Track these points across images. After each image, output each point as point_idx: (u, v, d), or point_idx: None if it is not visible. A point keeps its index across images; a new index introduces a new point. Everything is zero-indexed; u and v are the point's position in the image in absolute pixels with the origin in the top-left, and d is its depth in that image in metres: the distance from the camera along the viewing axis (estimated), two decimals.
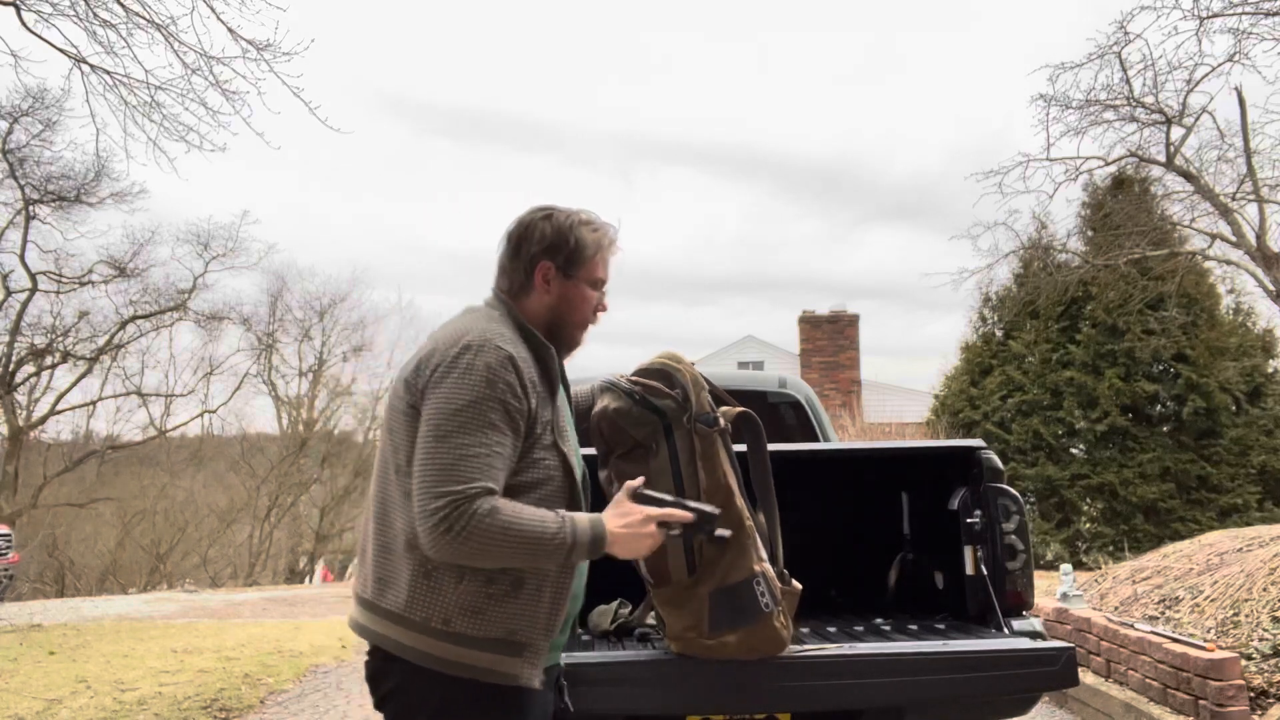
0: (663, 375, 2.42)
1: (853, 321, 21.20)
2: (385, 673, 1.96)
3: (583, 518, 1.95)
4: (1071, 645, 2.67)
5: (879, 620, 3.16)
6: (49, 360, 24.90)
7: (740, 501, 2.36)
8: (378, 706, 1.99)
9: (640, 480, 2.10)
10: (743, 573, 2.33)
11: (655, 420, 2.35)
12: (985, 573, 3.08)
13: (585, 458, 2.27)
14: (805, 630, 2.86)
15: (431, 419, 1.88)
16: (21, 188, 21.44)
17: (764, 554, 2.37)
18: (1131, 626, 5.50)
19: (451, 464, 1.83)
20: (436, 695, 1.91)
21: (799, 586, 2.46)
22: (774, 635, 2.36)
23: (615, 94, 62.82)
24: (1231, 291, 16.18)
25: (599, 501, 2.14)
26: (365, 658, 2.03)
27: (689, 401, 2.37)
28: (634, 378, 2.41)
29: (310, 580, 27.79)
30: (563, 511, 1.94)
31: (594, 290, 2.17)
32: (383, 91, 54.26)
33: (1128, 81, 12.13)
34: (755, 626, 2.33)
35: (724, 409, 2.45)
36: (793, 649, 2.46)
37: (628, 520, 1.99)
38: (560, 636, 2.10)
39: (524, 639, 1.94)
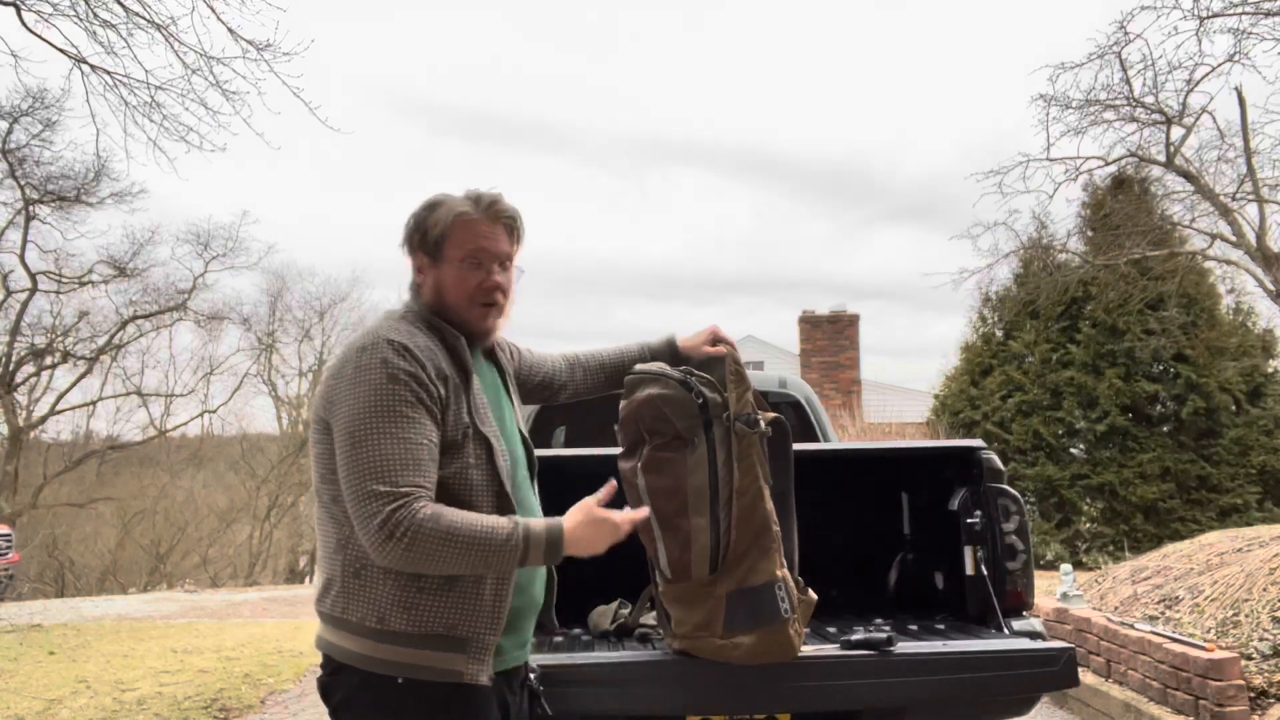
0: (714, 368, 2.43)
1: (853, 321, 21.19)
2: (333, 684, 1.94)
3: (538, 521, 1.91)
4: (1071, 645, 2.68)
5: (879, 620, 3.16)
6: (49, 360, 24.90)
7: (769, 505, 2.35)
8: (332, 716, 1.96)
9: (607, 492, 2.04)
10: (764, 576, 2.32)
11: (699, 413, 2.33)
12: (985, 573, 3.08)
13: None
14: (805, 630, 2.86)
15: (345, 428, 1.85)
16: (21, 188, 21.42)
17: (785, 560, 2.38)
18: (1131, 626, 5.50)
19: (376, 468, 1.81)
20: (385, 700, 1.87)
21: (815, 597, 2.47)
22: (787, 642, 2.36)
23: (628, 95, 62.81)
24: (1231, 291, 16.17)
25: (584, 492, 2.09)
26: (319, 667, 1.99)
27: (729, 399, 2.37)
28: (688, 369, 2.41)
29: (310, 580, 27.77)
30: (516, 517, 1.91)
31: (472, 267, 2.05)
32: (397, 93, 54.24)
33: (1128, 81, 12.12)
34: (772, 630, 2.33)
35: (760, 412, 2.45)
36: None
37: (587, 517, 1.96)
38: (520, 634, 2.05)
39: (465, 633, 1.89)
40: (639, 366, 2.47)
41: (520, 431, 2.19)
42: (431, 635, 1.87)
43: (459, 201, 2.08)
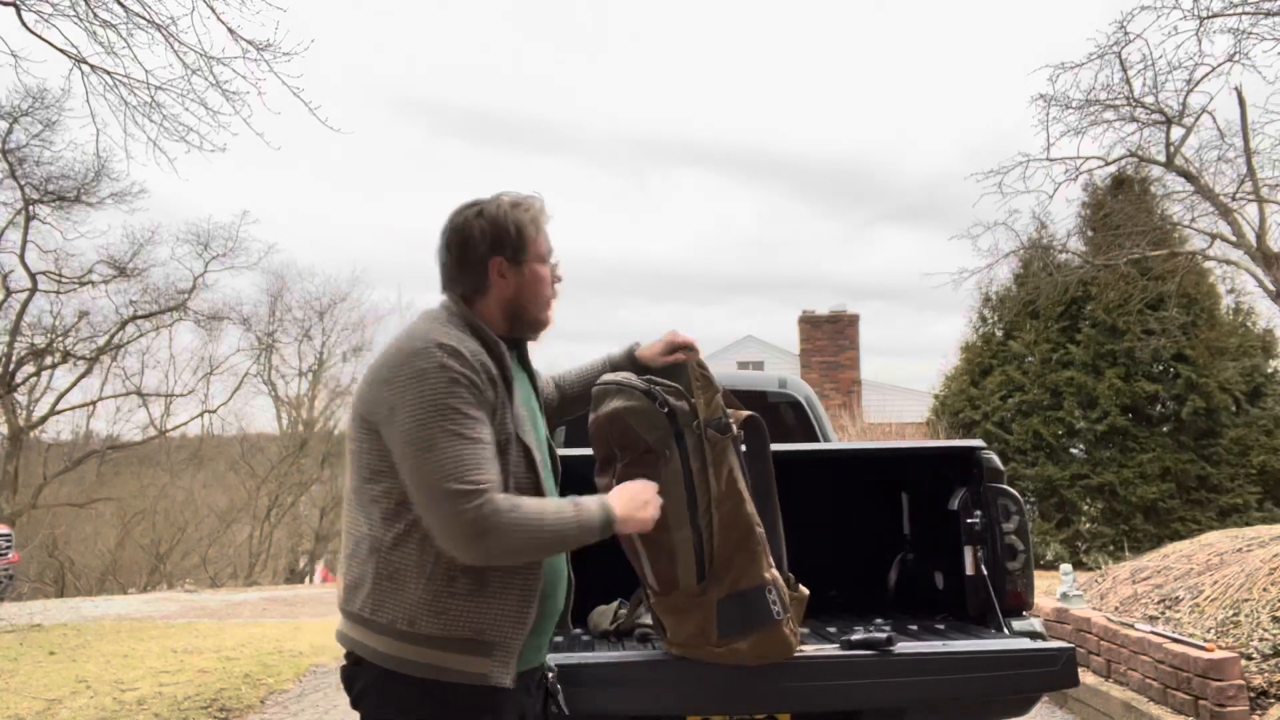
0: (679, 375, 2.39)
1: (853, 321, 21.19)
2: (355, 675, 1.97)
3: (591, 501, 1.97)
4: (1071, 645, 2.67)
5: (879, 620, 3.16)
6: (49, 360, 24.89)
7: (750, 508, 2.32)
8: (353, 706, 2.00)
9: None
10: (754, 580, 2.31)
11: (667, 423, 2.28)
12: (985, 573, 3.08)
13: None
14: (805, 630, 2.86)
15: (408, 434, 1.85)
16: (21, 188, 21.43)
17: (772, 561, 2.36)
18: (1131, 626, 5.50)
19: (451, 469, 1.82)
20: (404, 698, 1.90)
21: (806, 592, 2.46)
22: (784, 641, 2.35)
23: (630, 94, 62.86)
24: (1231, 291, 16.19)
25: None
26: (342, 660, 2.03)
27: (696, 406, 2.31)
28: (651, 378, 2.35)
29: (310, 580, 27.76)
30: (572, 496, 1.97)
31: (545, 265, 2.13)
32: (398, 92, 54.28)
33: (1128, 81, 12.13)
34: (766, 633, 2.32)
35: (732, 412, 2.41)
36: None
37: (631, 494, 2.06)
38: (541, 637, 2.07)
39: (493, 638, 1.91)
40: (604, 377, 2.42)
41: (548, 437, 2.22)
42: (459, 639, 1.89)
43: (531, 200, 2.13)
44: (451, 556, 1.87)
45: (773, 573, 2.33)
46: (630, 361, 2.52)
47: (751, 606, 2.31)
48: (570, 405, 2.56)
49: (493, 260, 2.06)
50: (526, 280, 2.09)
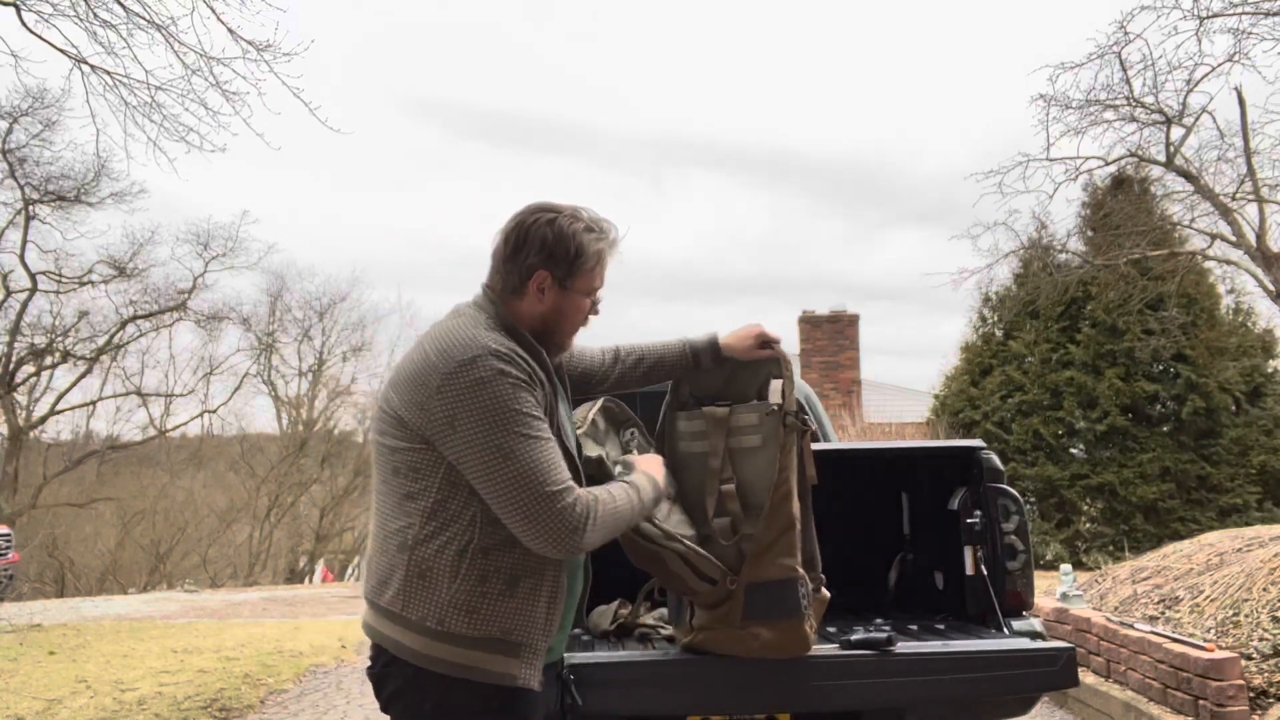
0: (760, 366, 2.54)
1: (853, 321, 21.16)
2: (388, 675, 1.97)
3: (637, 477, 2.10)
4: (1071, 645, 2.67)
5: (879, 620, 3.16)
6: (49, 360, 24.91)
7: (795, 505, 2.37)
8: (384, 709, 2.00)
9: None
10: (784, 571, 2.34)
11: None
12: (985, 573, 3.08)
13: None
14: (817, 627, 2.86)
15: (481, 442, 1.85)
16: (21, 188, 21.46)
17: (803, 559, 2.40)
18: (1131, 626, 5.50)
19: (540, 474, 1.85)
20: (436, 696, 1.91)
21: (828, 595, 2.48)
22: (803, 637, 2.38)
23: (643, 95, 63.00)
24: (1231, 291, 16.16)
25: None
26: (369, 659, 2.04)
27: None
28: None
29: (310, 580, 27.77)
30: (622, 476, 2.11)
31: (588, 298, 2.11)
32: (400, 92, 54.29)
33: (1128, 81, 12.12)
34: (790, 624, 2.35)
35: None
36: None
37: (656, 462, 2.22)
38: (565, 630, 2.10)
39: (520, 638, 1.93)
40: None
41: (577, 441, 2.24)
42: (488, 638, 1.91)
43: (608, 230, 2.11)
44: (484, 557, 1.89)
45: (802, 570, 2.36)
46: (713, 350, 2.56)
47: (780, 595, 2.34)
48: (629, 381, 2.56)
49: (539, 273, 2.03)
50: (563, 306, 2.07)
